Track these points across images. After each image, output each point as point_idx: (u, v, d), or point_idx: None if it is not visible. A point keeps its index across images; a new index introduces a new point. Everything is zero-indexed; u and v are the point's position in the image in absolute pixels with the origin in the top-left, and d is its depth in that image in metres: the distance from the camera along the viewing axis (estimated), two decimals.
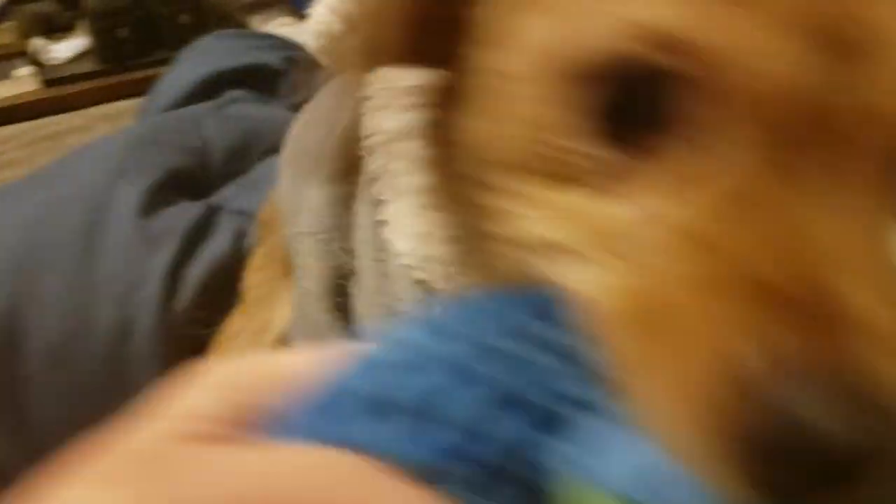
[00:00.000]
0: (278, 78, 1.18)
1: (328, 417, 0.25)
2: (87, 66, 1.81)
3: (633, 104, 0.27)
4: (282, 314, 0.66)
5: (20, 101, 1.72)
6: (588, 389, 0.24)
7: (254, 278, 0.70)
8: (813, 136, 0.24)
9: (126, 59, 1.77)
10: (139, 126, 1.05)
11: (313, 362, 0.27)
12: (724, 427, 0.21)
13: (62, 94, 1.75)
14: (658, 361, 0.23)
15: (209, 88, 1.12)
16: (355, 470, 0.23)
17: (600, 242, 0.26)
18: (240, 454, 0.25)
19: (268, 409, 0.26)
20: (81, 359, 0.70)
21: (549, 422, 0.24)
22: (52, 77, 1.79)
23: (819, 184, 0.24)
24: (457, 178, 0.35)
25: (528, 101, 0.29)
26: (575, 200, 0.28)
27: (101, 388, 0.70)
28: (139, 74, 1.68)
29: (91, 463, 0.26)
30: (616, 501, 0.22)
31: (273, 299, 0.67)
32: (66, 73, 1.80)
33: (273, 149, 0.96)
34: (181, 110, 1.06)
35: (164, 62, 1.35)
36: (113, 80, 1.76)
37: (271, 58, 1.19)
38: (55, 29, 1.92)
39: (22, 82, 1.81)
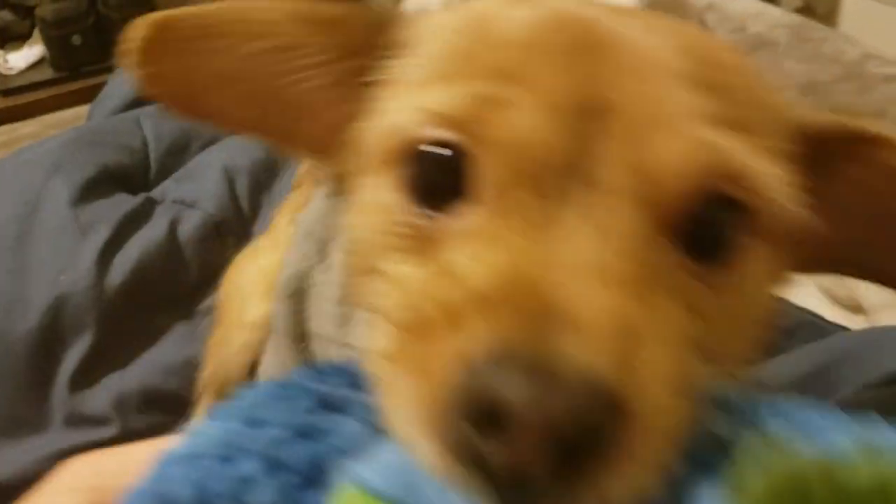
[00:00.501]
0: None
1: None
2: (42, 75, 1.83)
3: (437, 177, 0.33)
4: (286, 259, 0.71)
5: None
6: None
7: (281, 219, 0.77)
8: (566, 183, 0.30)
9: (80, 66, 1.79)
10: (79, 128, 1.07)
11: (153, 454, 0.30)
12: (440, 419, 0.25)
13: (18, 103, 1.77)
14: (404, 378, 0.27)
15: None
16: None
17: (404, 302, 0.31)
18: None
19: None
20: (18, 334, 0.73)
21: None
22: (8, 87, 1.81)
23: (568, 215, 0.30)
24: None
25: (371, 189, 0.36)
26: (403, 269, 0.33)
27: (36, 361, 0.73)
28: (94, 81, 1.70)
29: None
30: (367, 495, 0.26)
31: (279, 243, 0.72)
32: (22, 82, 1.82)
33: (211, 140, 1.00)
34: (124, 114, 1.09)
35: (118, 68, 1.37)
36: (68, 87, 1.78)
37: None
38: (11, 38, 1.94)
39: None
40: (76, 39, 1.76)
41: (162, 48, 0.39)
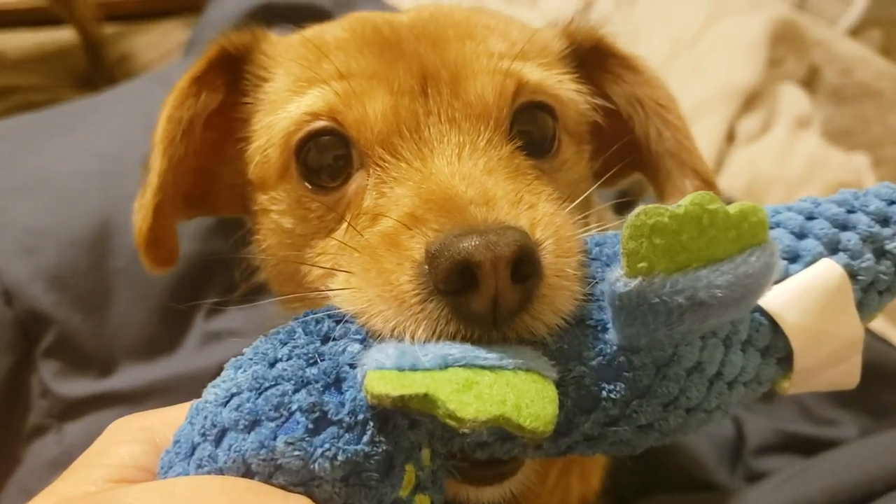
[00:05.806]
0: (326, 19, 1.18)
1: (191, 453, 0.35)
2: None
3: (325, 160, 0.46)
4: None
5: None
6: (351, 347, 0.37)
7: None
8: (421, 132, 0.44)
9: None
10: None
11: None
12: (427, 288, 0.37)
13: None
14: (373, 284, 0.39)
15: (257, 18, 1.13)
16: (229, 485, 0.33)
17: (356, 244, 0.42)
18: (162, 489, 0.32)
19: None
20: None
21: (334, 378, 0.36)
22: None
23: (436, 148, 0.43)
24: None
25: (277, 197, 0.50)
26: (325, 244, 0.47)
27: (174, 286, 0.77)
28: None
29: None
30: (383, 370, 0.34)
31: None
32: None
33: None
34: None
35: None
36: None
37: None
38: None
39: None
40: None
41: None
